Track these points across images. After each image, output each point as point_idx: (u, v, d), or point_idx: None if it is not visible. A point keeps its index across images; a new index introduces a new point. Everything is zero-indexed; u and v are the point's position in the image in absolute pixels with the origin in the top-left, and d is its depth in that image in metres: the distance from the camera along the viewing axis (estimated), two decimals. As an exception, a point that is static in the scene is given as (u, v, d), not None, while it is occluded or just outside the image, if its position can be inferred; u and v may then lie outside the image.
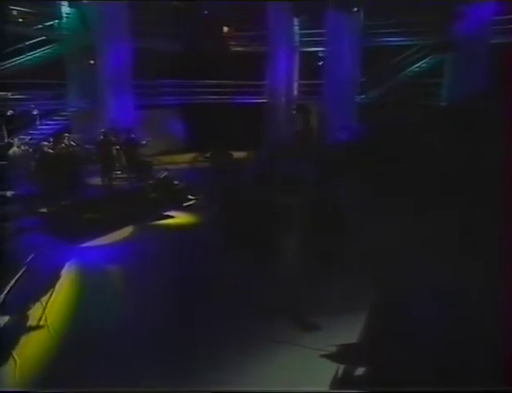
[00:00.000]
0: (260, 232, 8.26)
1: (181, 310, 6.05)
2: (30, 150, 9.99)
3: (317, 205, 8.90)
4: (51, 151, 9.74)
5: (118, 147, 11.81)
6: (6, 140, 13.42)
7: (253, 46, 17.33)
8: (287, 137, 16.66)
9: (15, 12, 13.53)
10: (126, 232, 9.12)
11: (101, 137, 11.05)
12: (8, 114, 13.91)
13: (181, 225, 9.64)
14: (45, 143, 10.13)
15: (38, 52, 14.33)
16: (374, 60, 15.60)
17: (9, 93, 13.92)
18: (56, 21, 14.67)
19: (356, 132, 15.04)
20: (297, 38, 17.20)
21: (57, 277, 7.15)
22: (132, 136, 12.19)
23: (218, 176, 12.69)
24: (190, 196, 11.43)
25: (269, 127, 17.22)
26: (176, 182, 11.59)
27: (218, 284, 6.75)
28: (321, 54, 16.56)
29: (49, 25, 14.55)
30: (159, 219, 9.83)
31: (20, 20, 13.71)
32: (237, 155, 15.27)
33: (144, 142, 12.18)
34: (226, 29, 17.51)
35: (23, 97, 14.07)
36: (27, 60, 14.09)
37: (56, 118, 15.03)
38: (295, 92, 17.80)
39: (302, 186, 10.79)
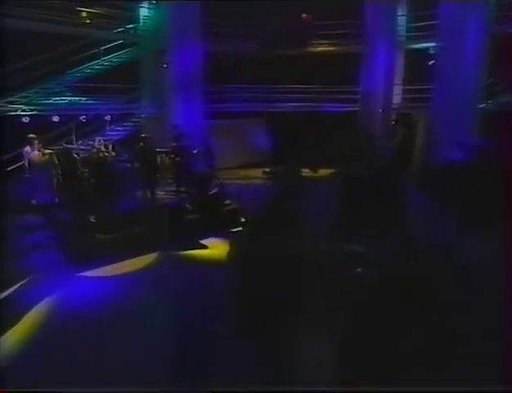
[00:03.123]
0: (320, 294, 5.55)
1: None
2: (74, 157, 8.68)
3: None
4: (87, 157, 8.39)
5: (168, 156, 10.18)
6: (74, 145, 13.12)
7: (344, 44, 14.59)
8: (384, 155, 13.40)
9: (92, 16, 13.01)
10: (141, 262, 7.21)
11: (141, 143, 9.49)
12: (81, 119, 13.62)
13: (214, 261, 7.31)
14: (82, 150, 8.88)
15: (113, 56, 13.71)
16: (506, 57, 11.65)
17: (83, 98, 13.52)
18: (134, 25, 13.92)
19: (477, 150, 11.28)
20: (401, 31, 13.95)
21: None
22: (185, 144, 10.44)
23: (286, 198, 10.14)
24: (241, 220, 9.19)
25: (361, 140, 14.18)
26: (227, 201, 9.45)
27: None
28: (432, 50, 13.07)
29: (127, 29, 13.84)
30: (190, 248, 7.71)
31: (98, 24, 13.12)
32: (317, 174, 12.67)
33: (195, 152, 10.36)
34: (311, 25, 14.98)
35: (96, 101, 13.51)
36: (103, 64, 13.52)
37: (125, 124, 14.22)
38: (396, 99, 14.47)
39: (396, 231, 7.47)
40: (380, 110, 14.14)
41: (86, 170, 8.30)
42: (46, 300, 6.19)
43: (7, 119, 11.17)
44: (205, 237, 8.22)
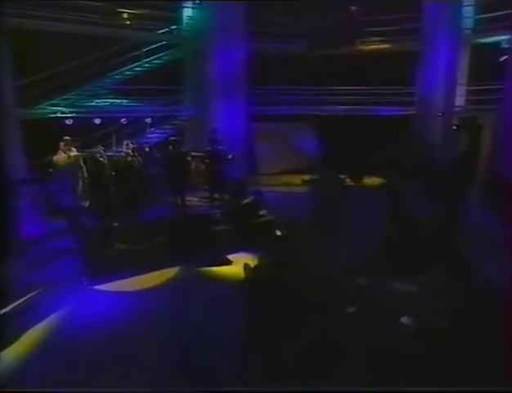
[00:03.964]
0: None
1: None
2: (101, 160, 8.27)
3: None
4: (114, 161, 7.97)
5: (202, 161, 9.57)
6: (113, 148, 12.98)
7: (399, 40, 13.24)
8: (443, 167, 11.91)
9: (134, 18, 12.81)
10: (160, 277, 6.61)
11: (171, 147, 8.94)
12: (122, 121, 13.49)
13: (238, 279, 6.48)
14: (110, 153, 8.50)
15: (155, 58, 13.40)
16: None
17: (124, 100, 13.36)
18: (177, 25, 13.56)
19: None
20: (466, 24, 12.41)
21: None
22: (221, 148, 9.77)
23: (325, 213, 9.05)
24: (276, 234, 8.33)
25: (417, 149, 12.79)
26: (262, 211, 8.65)
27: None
28: (504, 45, 11.45)
29: (169, 30, 13.51)
30: (214, 263, 6.99)
31: (140, 25, 12.89)
32: (362, 185, 11.54)
33: (231, 157, 9.66)
34: (362, 21, 13.75)
35: (137, 104, 13.28)
36: (144, 66, 13.27)
37: (165, 126, 13.88)
38: (459, 101, 12.90)
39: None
40: (440, 114, 12.64)
41: (113, 175, 7.83)
42: (57, 313, 5.75)
43: (48, 122, 11.17)
44: (233, 251, 7.47)
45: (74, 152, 7.78)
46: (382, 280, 5.25)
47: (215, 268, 6.84)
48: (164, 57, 13.46)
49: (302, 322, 4.61)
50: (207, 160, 9.64)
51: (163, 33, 13.36)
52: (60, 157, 7.67)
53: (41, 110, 11.11)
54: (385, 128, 12.73)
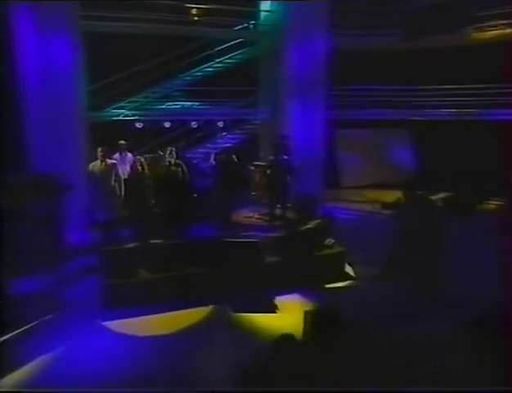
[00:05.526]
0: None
1: None
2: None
3: None
4: (155, 170, 6.94)
5: (263, 172, 8.14)
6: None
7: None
8: None
9: (206, 14, 11.89)
10: (184, 319, 5.29)
11: (225, 155, 7.63)
12: (192, 125, 12.74)
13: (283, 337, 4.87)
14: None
15: (228, 57, 12.38)
16: None
17: (196, 103, 12.56)
18: (253, 21, 12.34)
19: None
20: None
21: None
22: (286, 157, 8.23)
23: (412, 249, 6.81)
24: (346, 271, 6.52)
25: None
26: (329, 240, 6.89)
27: None
28: None
29: (245, 26, 12.35)
30: (258, 306, 5.45)
31: (212, 22, 11.93)
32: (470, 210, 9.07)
33: (298, 167, 8.07)
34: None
35: (209, 106, 12.38)
36: (216, 66, 12.32)
37: (237, 131, 12.85)
38: None
39: None
40: None
41: (151, 186, 6.76)
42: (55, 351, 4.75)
43: (111, 125, 10.73)
44: (285, 291, 5.85)
45: (111, 160, 6.91)
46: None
47: (258, 316, 5.29)
48: (238, 56, 12.39)
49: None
50: (268, 171, 8.16)
51: (238, 30, 12.25)
52: (95, 165, 6.85)
53: (104, 113, 10.67)
54: (499, 136, 10.02)
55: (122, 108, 11.02)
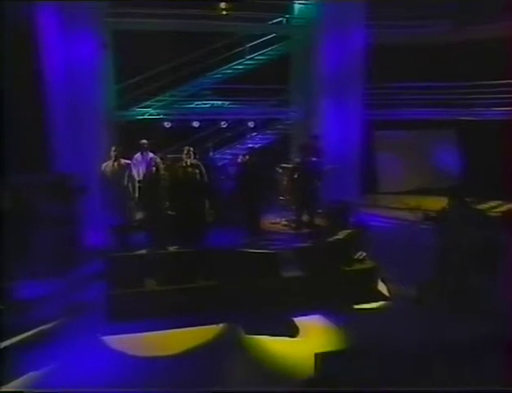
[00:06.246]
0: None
1: None
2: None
3: None
4: (170, 172, 6.45)
5: (290, 175, 7.46)
6: (210, 154, 11.84)
7: None
8: None
9: (237, 8, 11.34)
10: (190, 338, 4.71)
11: (247, 157, 6.99)
12: (222, 125, 12.28)
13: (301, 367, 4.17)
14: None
15: (260, 54, 11.76)
16: None
17: (226, 102, 12.08)
18: (287, 15, 11.67)
19: None
20: None
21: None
22: (316, 159, 7.50)
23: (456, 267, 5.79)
24: (381, 290, 5.69)
25: None
26: (361, 253, 6.09)
27: None
28: None
29: (281, 20, 11.69)
30: (275, 327, 4.78)
31: (244, 16, 11.37)
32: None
33: (328, 170, 7.33)
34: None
35: (239, 106, 11.85)
36: (248, 63, 11.77)
37: (268, 131, 12.27)
38: None
39: None
40: None
41: (166, 189, 6.25)
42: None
43: (137, 124, 10.44)
44: (307, 311, 5.13)
45: (124, 160, 6.47)
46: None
47: (274, 339, 4.61)
48: (269, 53, 11.74)
49: None
50: (296, 174, 7.45)
51: (271, 24, 11.60)
52: (108, 165, 6.44)
53: (130, 113, 10.38)
54: None
55: (148, 107, 10.69)
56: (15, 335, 4.75)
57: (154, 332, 4.77)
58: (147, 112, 10.46)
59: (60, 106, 8.75)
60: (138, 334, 4.75)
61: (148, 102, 10.76)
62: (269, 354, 4.41)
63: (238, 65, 11.60)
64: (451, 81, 10.70)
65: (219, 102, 11.96)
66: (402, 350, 4.40)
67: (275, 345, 4.55)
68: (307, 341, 4.62)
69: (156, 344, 4.62)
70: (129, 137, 9.29)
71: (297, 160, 7.72)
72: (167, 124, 11.30)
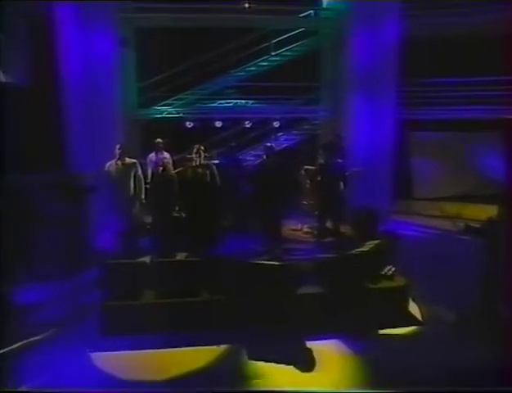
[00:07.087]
0: None
1: None
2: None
3: None
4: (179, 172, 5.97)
5: (312, 177, 6.81)
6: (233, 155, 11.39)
7: None
8: None
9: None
10: (191, 359, 4.15)
11: (265, 156, 6.37)
12: (246, 124, 11.79)
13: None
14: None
15: (286, 50, 11.18)
16: None
17: (250, 101, 11.58)
18: (315, 8, 11.03)
19: None
20: None
21: None
22: (341, 161, 6.80)
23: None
24: (412, 311, 4.92)
25: None
26: (388, 268, 5.34)
27: None
28: None
29: (306, 14, 11.07)
30: (282, 358, 4.13)
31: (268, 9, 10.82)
32: None
33: (356, 172, 6.62)
34: None
35: (264, 105, 11.36)
36: (273, 60, 11.21)
37: (295, 131, 11.71)
38: None
39: None
40: None
41: (175, 190, 5.75)
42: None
43: (158, 124, 10.11)
44: (323, 335, 4.43)
45: (130, 159, 6.04)
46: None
47: (280, 367, 3.96)
48: (297, 48, 11.15)
49: None
50: (319, 177, 6.78)
51: (299, 18, 10.98)
52: (111, 165, 6.02)
53: (149, 111, 10.06)
54: None
55: (168, 106, 10.34)
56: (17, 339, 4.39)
57: (144, 351, 4.24)
58: (167, 111, 10.08)
59: (76, 103, 8.54)
60: (126, 352, 4.24)
61: (168, 101, 10.41)
62: (272, 386, 3.76)
63: (263, 62, 11.08)
64: (495, 76, 9.69)
65: (243, 101, 11.51)
66: (435, 383, 3.74)
67: (281, 376, 3.90)
68: (321, 374, 3.94)
69: (145, 364, 4.10)
70: (148, 137, 8.98)
71: (320, 161, 7.06)
72: (188, 124, 10.95)
